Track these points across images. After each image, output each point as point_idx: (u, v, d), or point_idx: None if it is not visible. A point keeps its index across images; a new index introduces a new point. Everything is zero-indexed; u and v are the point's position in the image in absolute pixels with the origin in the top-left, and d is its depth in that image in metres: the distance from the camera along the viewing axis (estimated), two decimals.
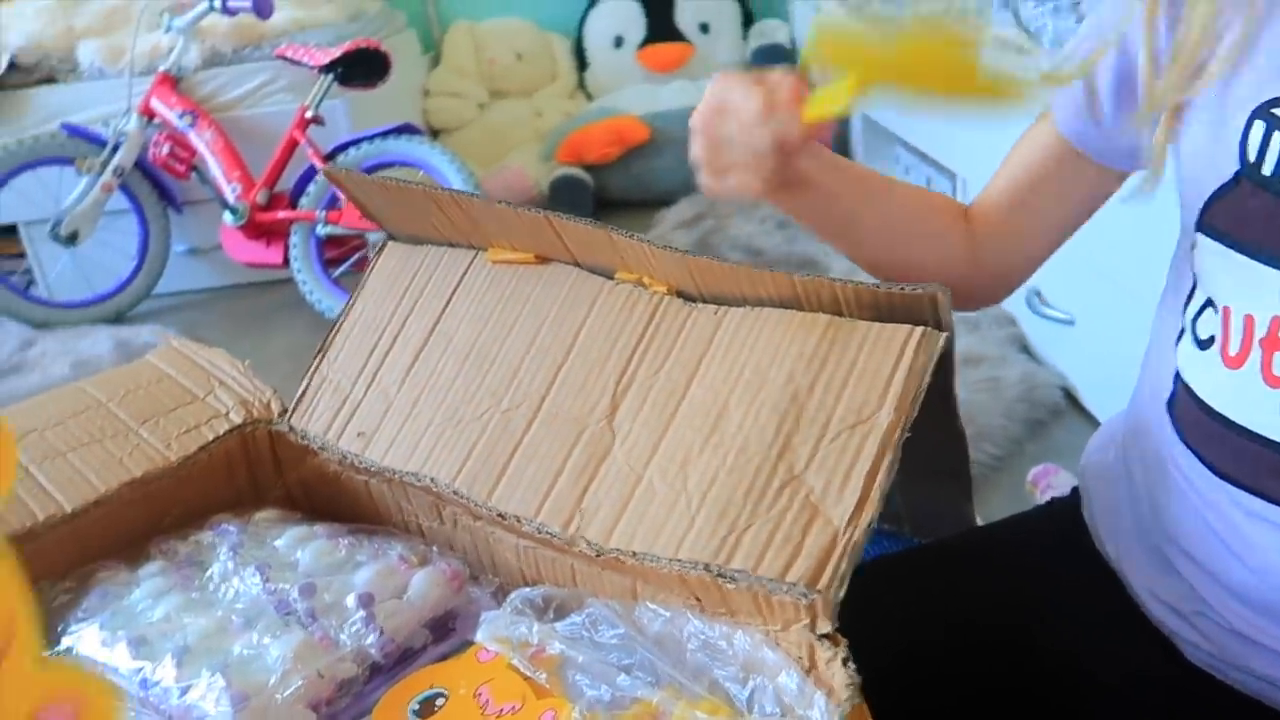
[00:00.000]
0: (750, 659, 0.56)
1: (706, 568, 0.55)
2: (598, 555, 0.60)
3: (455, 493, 0.68)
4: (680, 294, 0.68)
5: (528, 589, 0.65)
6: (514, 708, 0.58)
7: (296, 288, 1.86)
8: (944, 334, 0.56)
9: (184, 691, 0.58)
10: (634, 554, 0.58)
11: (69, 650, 0.64)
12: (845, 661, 0.50)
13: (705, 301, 0.67)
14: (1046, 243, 0.66)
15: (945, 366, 0.59)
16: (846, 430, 0.56)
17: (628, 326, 0.69)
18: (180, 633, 0.63)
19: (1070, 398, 1.21)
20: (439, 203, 0.77)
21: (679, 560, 0.57)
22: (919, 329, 0.57)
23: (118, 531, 0.76)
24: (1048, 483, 0.92)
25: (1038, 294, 1.26)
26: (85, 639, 0.64)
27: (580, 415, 0.67)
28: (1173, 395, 0.55)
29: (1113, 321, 1.14)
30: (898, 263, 0.66)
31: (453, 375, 0.75)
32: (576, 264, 0.74)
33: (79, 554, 0.74)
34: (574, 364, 0.69)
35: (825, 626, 0.51)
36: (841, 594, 0.51)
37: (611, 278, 0.72)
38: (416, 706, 0.60)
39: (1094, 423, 1.16)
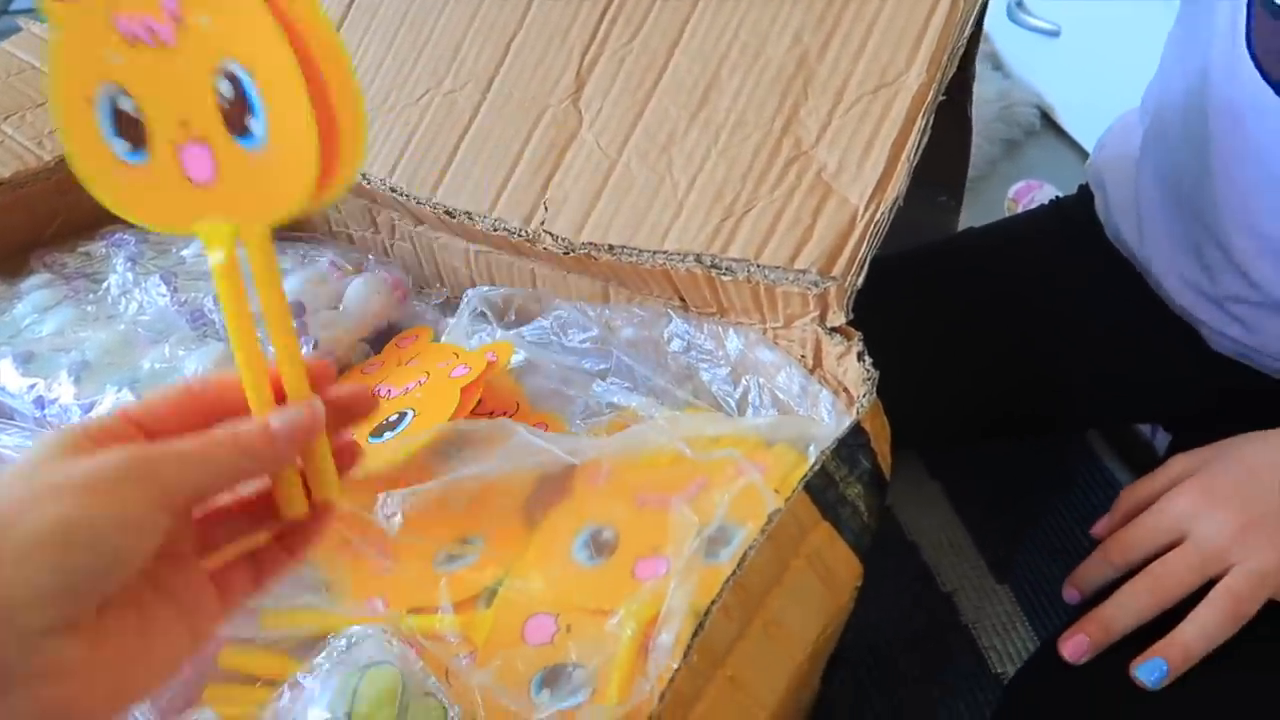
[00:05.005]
0: (743, 360, 0.51)
1: (698, 259, 0.48)
2: (566, 253, 0.52)
3: (393, 189, 0.58)
4: None
5: (485, 288, 0.57)
6: (420, 382, 0.51)
7: None
8: None
9: (86, 409, 0.50)
10: (610, 248, 0.50)
11: None
12: (860, 356, 0.44)
13: None
14: None
15: (975, 29, 0.50)
16: (867, 95, 0.47)
17: None
18: (77, 348, 0.54)
19: (1044, 117, 1.14)
20: None
21: (665, 252, 0.49)
22: None
23: None
24: (1031, 197, 0.86)
25: (1018, 2, 1.15)
26: None
27: (539, 95, 0.56)
28: (1250, 27, 0.47)
29: (1102, 30, 1.05)
30: None
31: (380, 54, 0.63)
32: None
33: None
34: (528, 37, 0.58)
35: (838, 319, 0.45)
36: (859, 282, 0.44)
37: None
38: None
39: (1070, 142, 1.10)
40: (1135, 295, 0.56)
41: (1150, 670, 0.41)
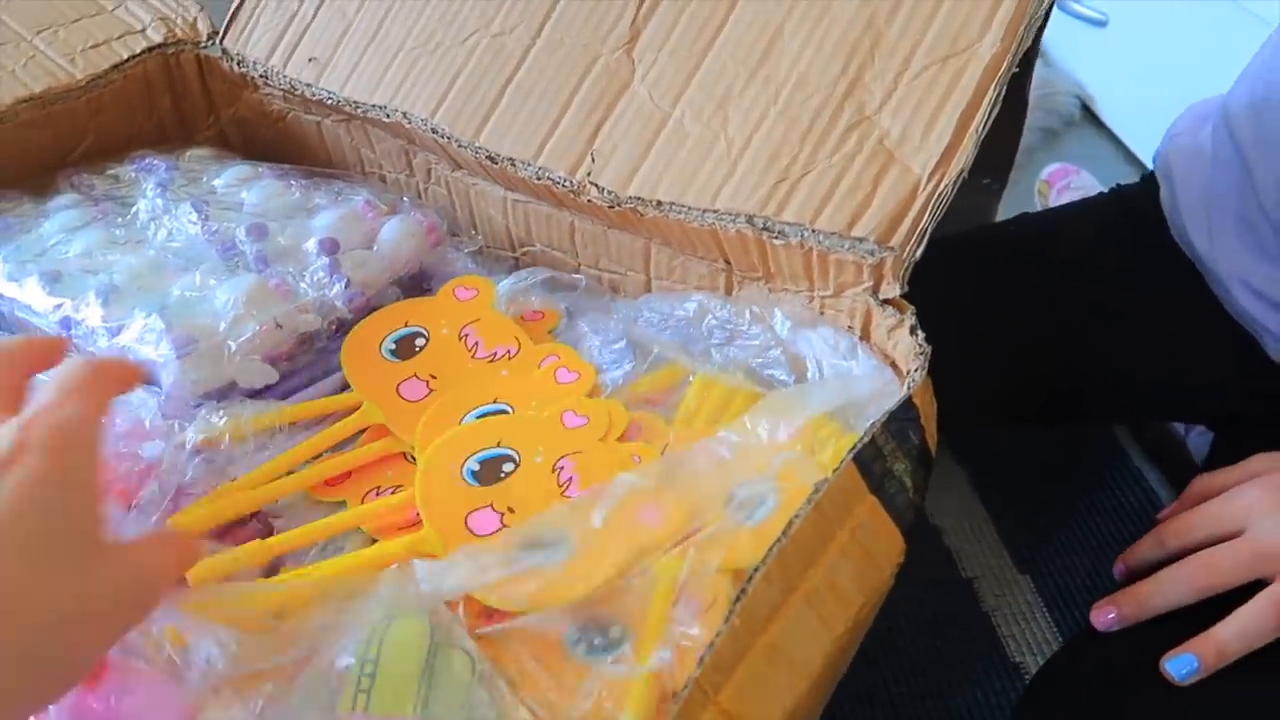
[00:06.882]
0: (795, 339, 0.49)
1: (749, 220, 0.46)
2: (612, 206, 0.51)
3: (434, 130, 0.57)
4: None
5: (509, 280, 0.55)
6: (510, 351, 0.51)
7: None
8: None
9: (114, 333, 0.49)
10: (658, 204, 0.49)
11: None
12: (913, 330, 0.43)
13: None
14: None
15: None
16: (936, 64, 0.46)
17: None
18: (105, 271, 0.53)
19: (1084, 108, 1.12)
20: None
21: (714, 211, 0.48)
22: None
23: (16, 158, 0.63)
24: (1066, 183, 0.84)
25: None
26: None
27: (591, 42, 0.55)
28: None
29: (1153, 23, 1.03)
30: None
31: None
32: None
33: None
34: None
35: (892, 290, 0.44)
36: (919, 254, 0.43)
37: None
38: (393, 345, 0.52)
39: (1108, 134, 1.08)
40: (1194, 293, 0.55)
41: (1181, 665, 0.41)
